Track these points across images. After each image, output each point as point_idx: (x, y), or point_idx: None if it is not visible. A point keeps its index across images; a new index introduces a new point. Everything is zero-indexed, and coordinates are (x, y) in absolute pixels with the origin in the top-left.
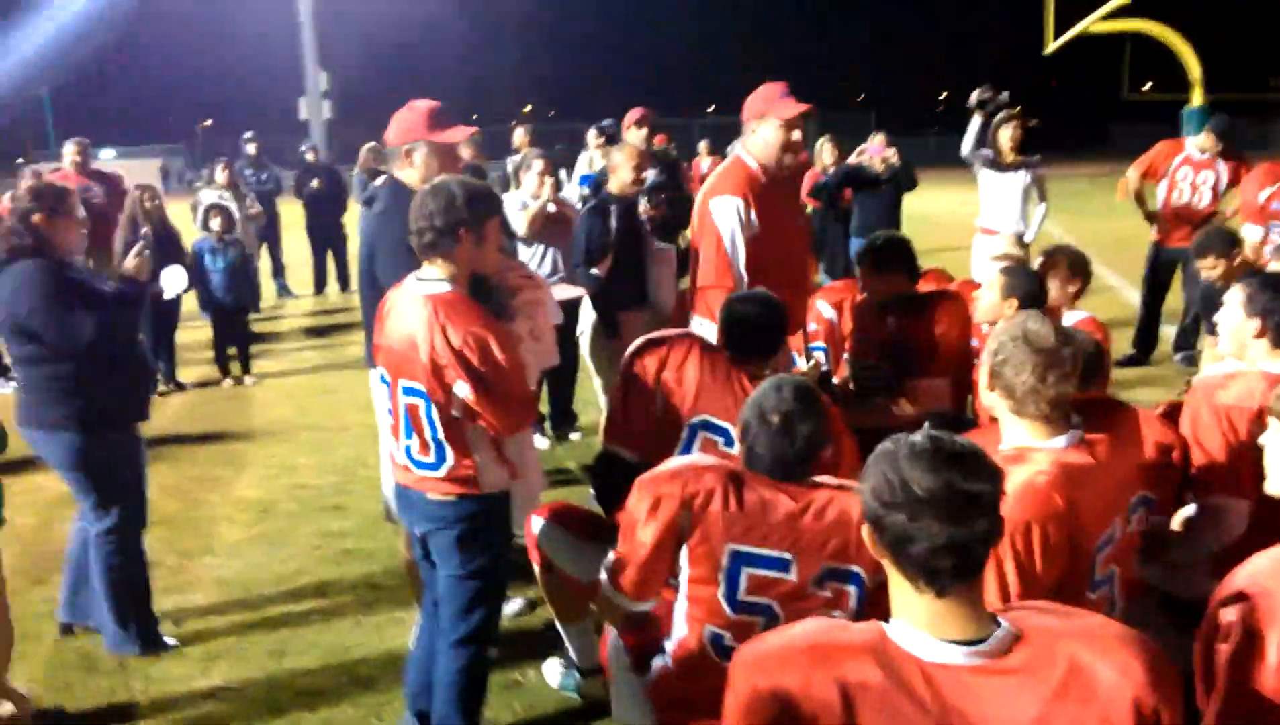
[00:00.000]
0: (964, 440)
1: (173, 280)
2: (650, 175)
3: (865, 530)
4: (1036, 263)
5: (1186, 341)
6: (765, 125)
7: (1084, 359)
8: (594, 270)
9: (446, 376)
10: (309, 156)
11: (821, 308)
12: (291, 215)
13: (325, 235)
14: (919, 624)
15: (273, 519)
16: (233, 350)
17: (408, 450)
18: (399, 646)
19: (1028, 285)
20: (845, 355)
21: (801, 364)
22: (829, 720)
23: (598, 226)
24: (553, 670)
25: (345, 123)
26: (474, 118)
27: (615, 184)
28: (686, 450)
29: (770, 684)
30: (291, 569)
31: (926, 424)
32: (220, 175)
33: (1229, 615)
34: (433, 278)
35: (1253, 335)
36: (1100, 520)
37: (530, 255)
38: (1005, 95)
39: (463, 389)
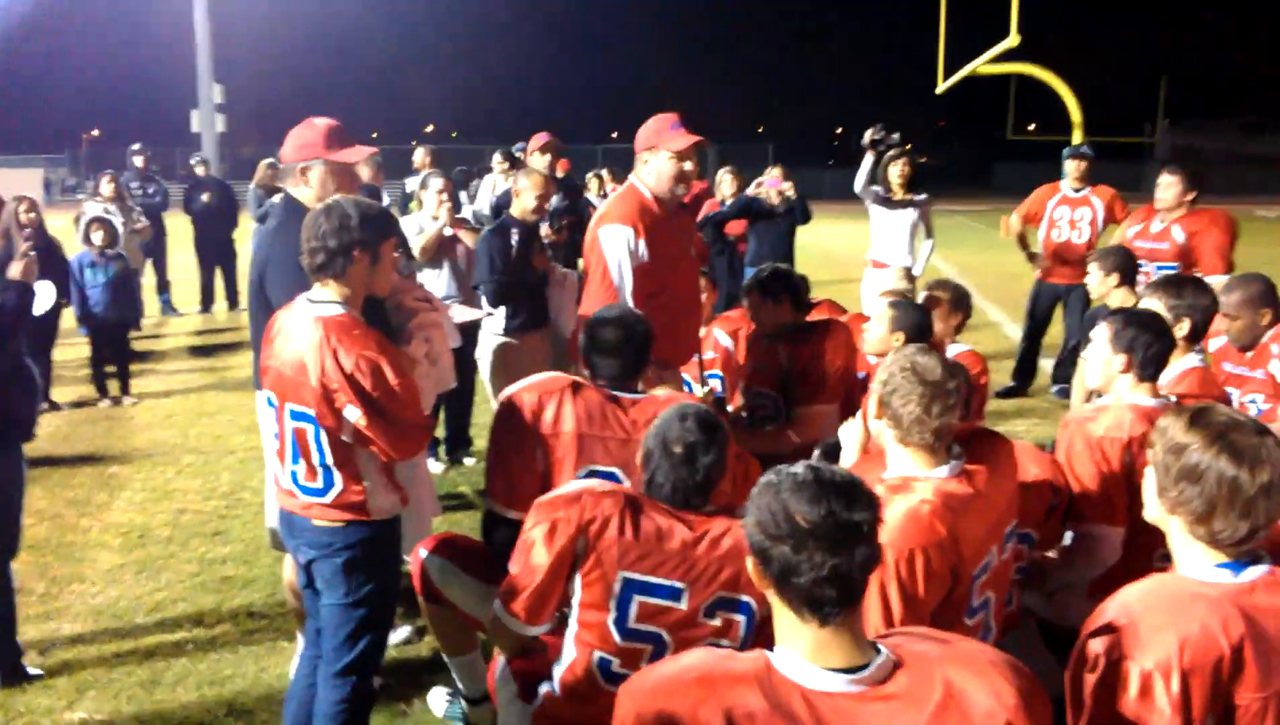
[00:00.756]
0: (843, 471)
1: (42, 295)
2: (554, 201)
3: (750, 563)
4: (922, 296)
5: (1064, 374)
6: (657, 156)
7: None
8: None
9: (337, 401)
10: (199, 170)
11: (718, 336)
12: (180, 230)
13: (214, 251)
14: (803, 653)
15: (150, 545)
16: (112, 368)
17: (294, 475)
18: (279, 676)
19: (915, 319)
20: (740, 383)
21: (697, 391)
22: None
23: (498, 249)
24: (438, 699)
25: (239, 138)
26: (374, 137)
27: (518, 208)
28: None
29: (656, 713)
30: (168, 597)
31: (816, 452)
32: (105, 187)
33: (1096, 646)
34: (325, 300)
35: (1119, 369)
36: (979, 547)
37: (427, 277)
38: (896, 135)
39: (353, 414)
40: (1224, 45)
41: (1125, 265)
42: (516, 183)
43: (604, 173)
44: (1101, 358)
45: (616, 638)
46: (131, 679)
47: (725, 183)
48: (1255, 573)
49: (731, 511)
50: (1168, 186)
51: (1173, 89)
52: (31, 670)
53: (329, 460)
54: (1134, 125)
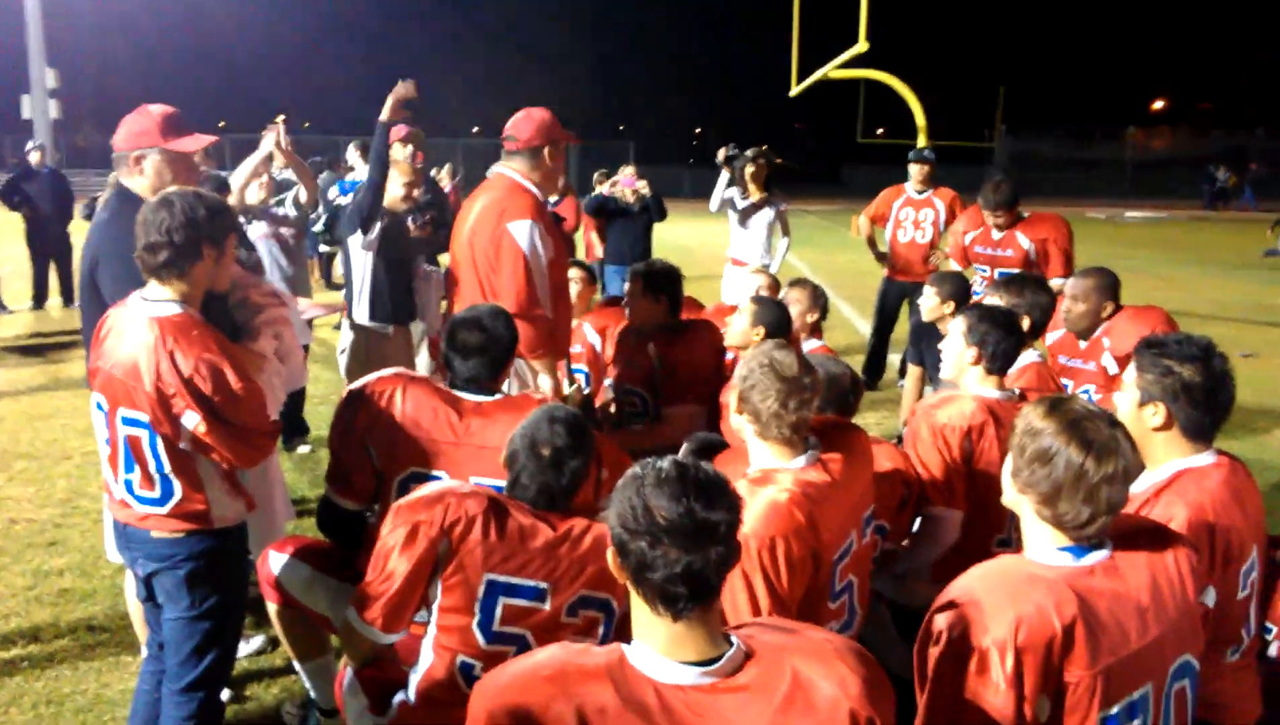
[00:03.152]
0: (709, 468)
1: None
2: (418, 195)
3: (610, 554)
4: (781, 294)
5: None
6: (549, 151)
7: (844, 389)
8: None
9: (174, 406)
10: (33, 158)
11: (587, 331)
12: (11, 223)
13: (48, 245)
14: (657, 646)
15: None
16: None
17: (128, 484)
18: (122, 693)
19: (774, 315)
20: (606, 379)
21: (565, 386)
22: None
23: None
24: (290, 714)
25: (74, 125)
26: (220, 126)
27: (388, 198)
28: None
29: (508, 711)
30: (1, 611)
31: (685, 446)
32: None
33: (940, 622)
34: (161, 298)
35: (970, 362)
36: (838, 533)
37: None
38: (749, 152)
39: (192, 420)
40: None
41: (961, 294)
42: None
43: (445, 169)
44: (955, 350)
45: (481, 641)
46: None
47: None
48: (1096, 557)
49: (591, 512)
50: (998, 216)
51: (1010, 97)
52: None
53: (166, 468)
54: (974, 131)
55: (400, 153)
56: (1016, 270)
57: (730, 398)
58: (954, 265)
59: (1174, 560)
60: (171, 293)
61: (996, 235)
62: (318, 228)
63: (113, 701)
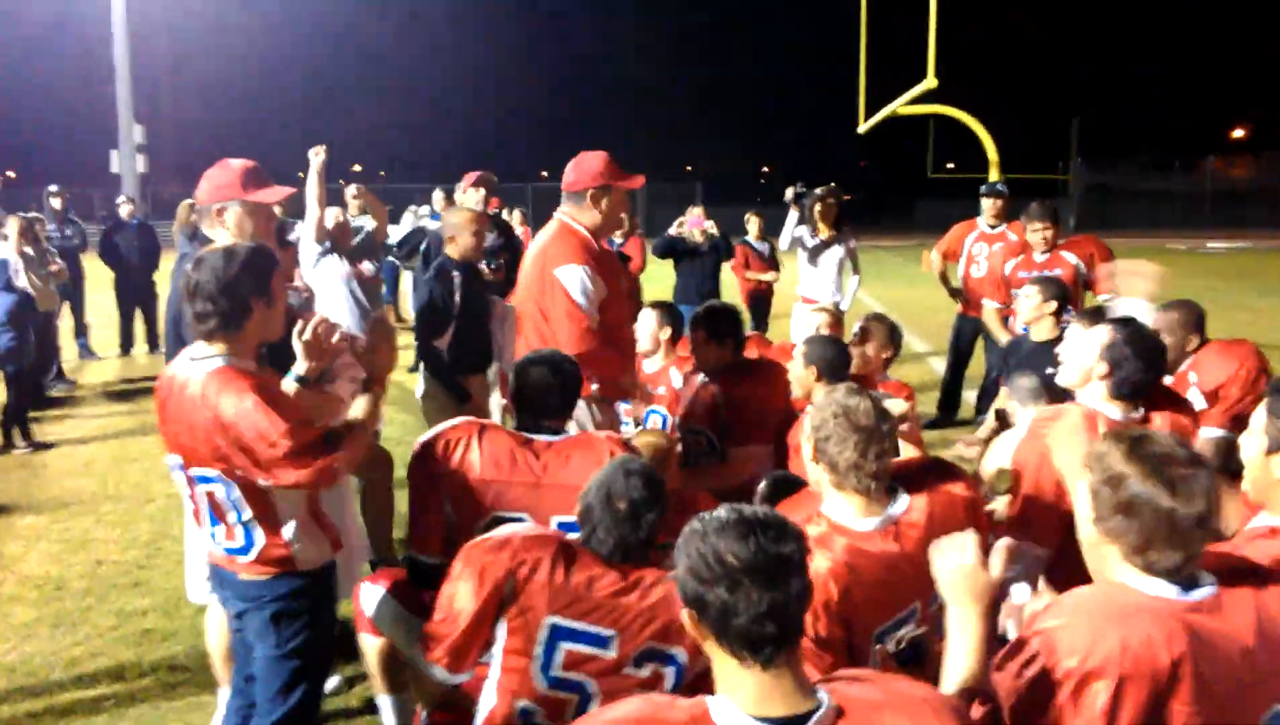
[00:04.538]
0: (762, 508)
1: None
2: (489, 239)
3: (685, 614)
4: (855, 330)
5: (987, 405)
6: (606, 195)
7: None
8: (435, 343)
9: (236, 459)
10: (123, 211)
11: (672, 375)
12: (100, 272)
13: (135, 294)
14: (744, 704)
15: (66, 598)
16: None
17: (213, 537)
18: None
19: (825, 351)
20: (675, 420)
21: (630, 427)
22: None
23: (441, 294)
24: None
25: (159, 178)
26: (299, 177)
27: (455, 249)
28: None
29: None
30: (86, 652)
31: (762, 484)
32: (11, 228)
33: (1034, 644)
34: (206, 355)
35: (1098, 376)
36: (887, 605)
37: (331, 312)
38: (818, 191)
39: (247, 465)
40: (1134, 85)
41: (1063, 295)
42: (447, 222)
43: (516, 213)
44: (1086, 358)
45: (540, 685)
46: None
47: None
48: (1202, 594)
49: (661, 562)
50: (1043, 231)
51: (1085, 128)
52: None
53: (246, 517)
54: (1048, 163)
55: (472, 198)
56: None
57: (803, 444)
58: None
59: (1276, 601)
60: (218, 349)
61: (1039, 257)
62: (393, 238)
63: None
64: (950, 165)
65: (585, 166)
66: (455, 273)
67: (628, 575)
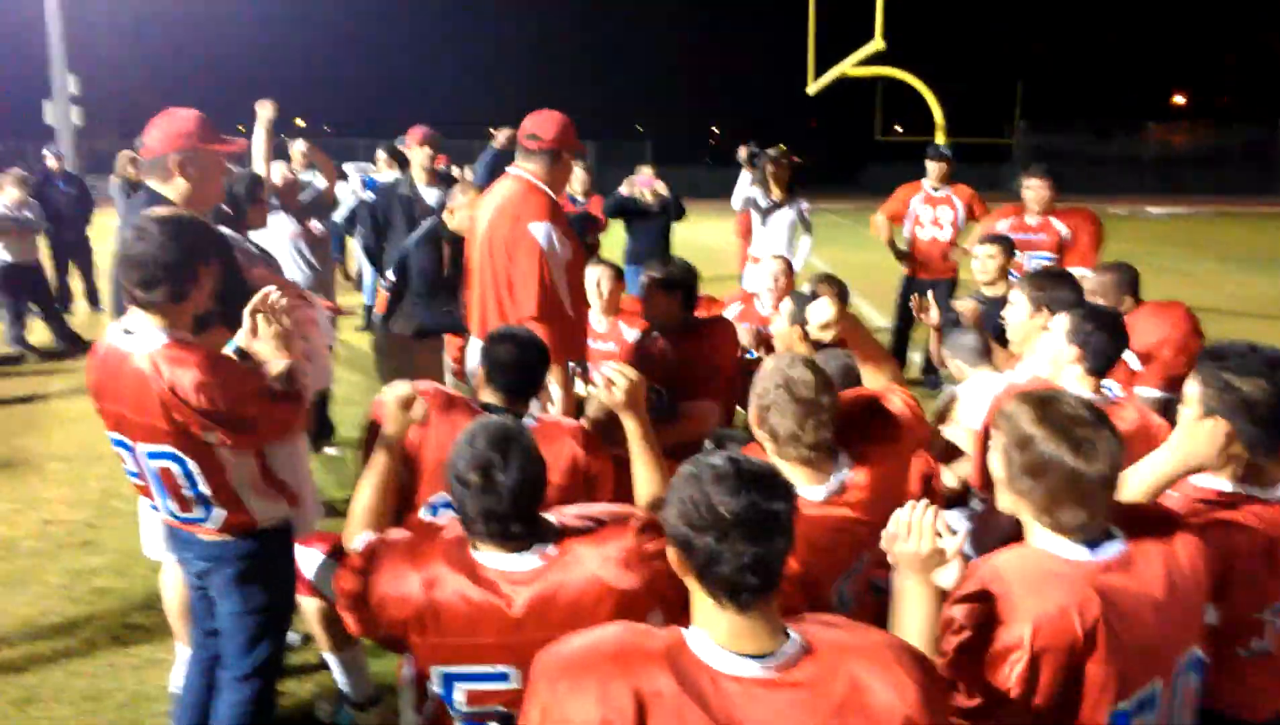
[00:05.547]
0: (760, 461)
1: None
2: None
3: (672, 553)
4: (805, 290)
5: (933, 366)
6: (565, 154)
7: (846, 372)
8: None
9: (194, 432)
10: (51, 164)
11: (623, 329)
12: None
13: (67, 249)
14: (719, 639)
15: (17, 557)
16: None
17: (169, 510)
18: (159, 689)
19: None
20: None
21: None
22: None
23: (431, 261)
24: (324, 708)
25: (96, 131)
26: (240, 130)
27: (455, 222)
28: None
29: (568, 685)
30: (38, 610)
31: (707, 443)
32: None
33: (959, 614)
34: (146, 330)
35: (1069, 360)
36: (845, 562)
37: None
38: (770, 152)
39: (213, 437)
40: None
41: (1011, 249)
42: (454, 199)
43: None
44: (1054, 348)
45: (455, 718)
46: (4, 697)
47: (577, 181)
48: (1111, 551)
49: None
50: (1039, 189)
51: (1029, 92)
52: None
53: (202, 490)
54: (994, 127)
55: (418, 156)
56: (1049, 254)
57: (750, 411)
58: (975, 264)
59: (1185, 552)
60: (158, 323)
61: (1032, 221)
62: (338, 216)
63: (151, 697)
64: (899, 128)
65: (558, 124)
66: (445, 242)
67: (509, 604)
